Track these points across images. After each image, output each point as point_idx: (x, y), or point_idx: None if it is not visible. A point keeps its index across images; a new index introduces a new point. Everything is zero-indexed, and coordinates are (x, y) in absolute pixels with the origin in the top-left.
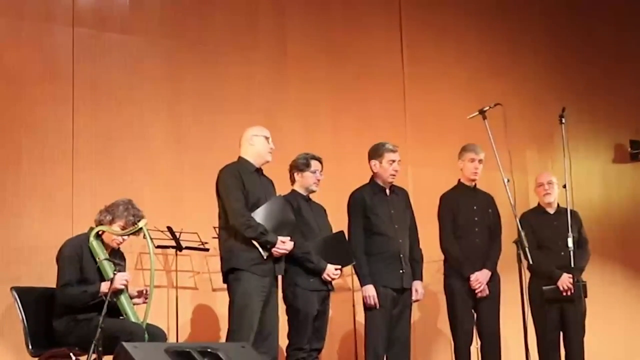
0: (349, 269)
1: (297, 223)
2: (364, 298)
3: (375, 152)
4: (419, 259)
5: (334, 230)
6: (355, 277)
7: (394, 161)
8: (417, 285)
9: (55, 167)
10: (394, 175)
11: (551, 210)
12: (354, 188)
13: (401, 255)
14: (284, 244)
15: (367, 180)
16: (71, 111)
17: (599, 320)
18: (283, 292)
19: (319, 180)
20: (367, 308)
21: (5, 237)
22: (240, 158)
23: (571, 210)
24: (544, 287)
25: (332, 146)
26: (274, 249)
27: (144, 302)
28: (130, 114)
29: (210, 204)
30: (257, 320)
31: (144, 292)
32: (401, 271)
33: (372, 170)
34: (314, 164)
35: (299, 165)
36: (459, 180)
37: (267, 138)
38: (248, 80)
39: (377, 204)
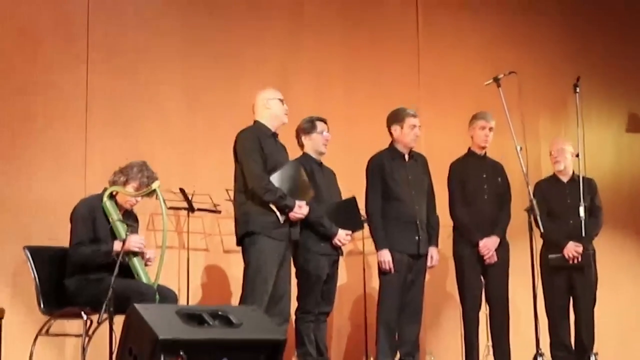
0: (360, 234)
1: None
2: (379, 262)
3: (396, 117)
4: (435, 226)
5: (343, 196)
6: (367, 242)
7: (415, 126)
8: (432, 251)
9: (68, 126)
10: (415, 140)
11: (565, 179)
12: (365, 151)
13: (417, 222)
14: (301, 209)
15: (378, 144)
16: (85, 70)
17: (607, 287)
18: (293, 256)
19: (327, 140)
20: (382, 273)
21: (17, 195)
22: (256, 122)
23: (586, 178)
24: (549, 256)
25: (345, 109)
26: (291, 213)
27: (146, 265)
28: (145, 74)
29: (222, 165)
30: (272, 284)
31: (145, 255)
32: (417, 237)
33: (392, 136)
34: (320, 125)
35: (305, 128)
36: (469, 148)
37: (281, 100)
38: (262, 41)
39: (395, 169)
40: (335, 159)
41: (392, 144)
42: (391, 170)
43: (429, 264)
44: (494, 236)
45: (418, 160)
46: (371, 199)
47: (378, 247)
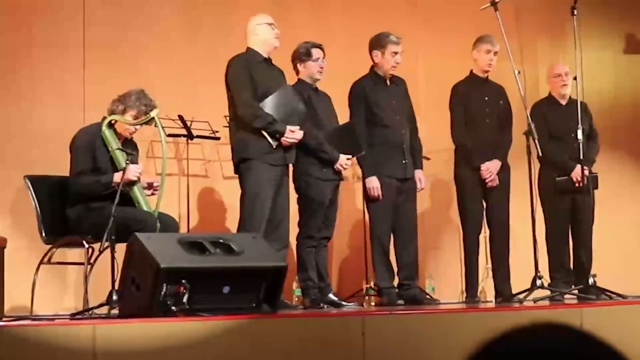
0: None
1: (308, 113)
2: (367, 189)
3: (378, 43)
4: (419, 149)
5: (339, 117)
6: None
7: (396, 53)
8: (419, 174)
9: (66, 56)
10: (395, 67)
11: (563, 101)
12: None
13: (404, 146)
14: (293, 133)
15: None
16: None
17: (608, 209)
18: (295, 181)
19: (322, 68)
20: (371, 200)
21: (18, 123)
22: (248, 49)
23: (581, 102)
24: (557, 178)
25: (342, 34)
26: (283, 139)
27: (153, 194)
28: (143, 2)
29: (221, 93)
30: (269, 209)
31: (154, 184)
32: (404, 161)
33: (373, 61)
34: (315, 52)
35: (300, 56)
36: (471, 71)
37: (269, 24)
38: None
39: (379, 95)
40: (335, 85)
41: (372, 69)
42: (375, 96)
43: (418, 187)
44: (496, 159)
45: (399, 84)
46: (356, 126)
47: (366, 175)
